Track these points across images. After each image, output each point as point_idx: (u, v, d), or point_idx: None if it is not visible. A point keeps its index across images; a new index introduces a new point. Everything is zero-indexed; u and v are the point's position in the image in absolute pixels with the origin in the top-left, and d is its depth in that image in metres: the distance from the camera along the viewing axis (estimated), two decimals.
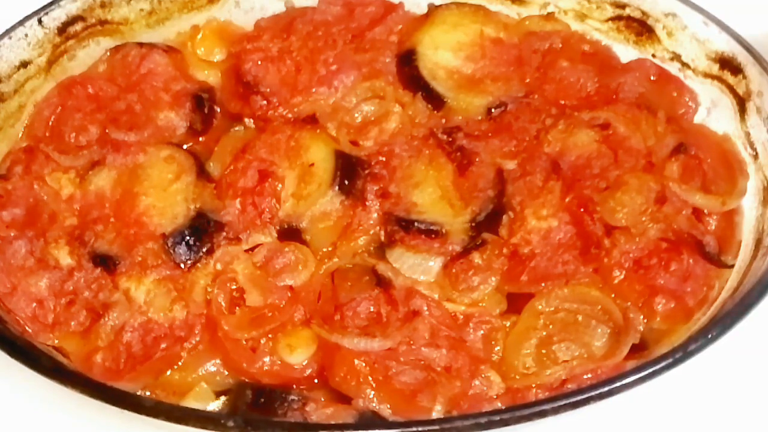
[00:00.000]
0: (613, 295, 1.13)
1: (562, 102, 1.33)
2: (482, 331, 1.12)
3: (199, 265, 1.18)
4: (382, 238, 1.21)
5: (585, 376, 1.06)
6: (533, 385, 1.07)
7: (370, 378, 1.06)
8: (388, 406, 1.05)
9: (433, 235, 1.18)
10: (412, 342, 1.08)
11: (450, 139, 1.28)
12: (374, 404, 1.04)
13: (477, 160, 1.25)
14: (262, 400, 1.08)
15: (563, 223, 1.18)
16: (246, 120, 1.37)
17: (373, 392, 1.05)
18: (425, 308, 1.11)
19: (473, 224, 1.20)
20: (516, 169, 1.24)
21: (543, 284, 1.14)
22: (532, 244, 1.16)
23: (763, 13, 1.30)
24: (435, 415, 1.03)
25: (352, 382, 1.06)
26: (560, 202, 1.19)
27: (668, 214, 1.17)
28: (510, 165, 1.24)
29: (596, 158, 1.23)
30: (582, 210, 1.17)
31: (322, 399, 1.08)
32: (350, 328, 1.10)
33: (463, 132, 1.28)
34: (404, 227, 1.19)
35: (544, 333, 1.11)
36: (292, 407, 1.06)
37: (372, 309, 1.11)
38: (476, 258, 1.16)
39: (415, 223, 1.19)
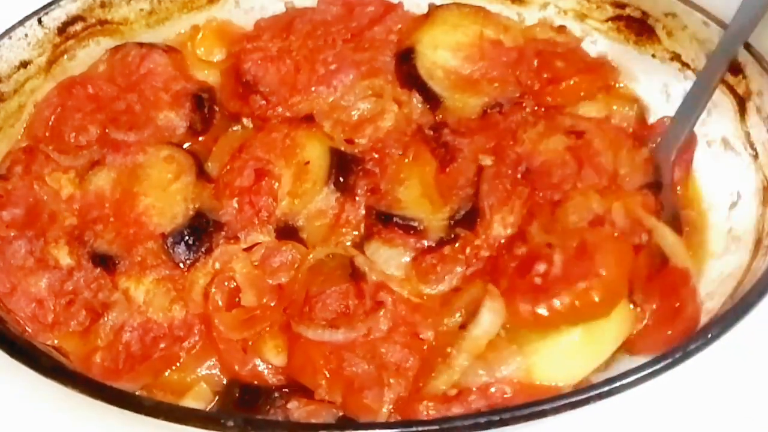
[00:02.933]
0: None
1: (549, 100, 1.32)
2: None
3: (198, 264, 1.18)
4: (363, 236, 1.21)
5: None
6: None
7: (324, 369, 1.05)
8: (339, 397, 1.04)
9: (411, 231, 1.18)
10: (369, 333, 1.07)
11: (436, 135, 1.28)
12: (327, 395, 1.04)
13: (459, 156, 1.24)
14: (247, 397, 1.08)
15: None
16: (244, 120, 1.37)
17: (325, 382, 1.05)
18: (389, 301, 1.10)
19: (451, 222, 1.19)
20: (491, 166, 1.22)
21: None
22: (491, 249, 1.16)
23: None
24: (382, 417, 1.02)
25: (309, 371, 1.06)
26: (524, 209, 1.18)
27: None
28: (487, 161, 1.22)
29: (559, 166, 1.20)
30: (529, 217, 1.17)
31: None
32: (317, 320, 1.09)
33: (450, 128, 1.28)
34: (383, 221, 1.19)
35: None
36: (275, 405, 1.06)
37: (341, 302, 1.10)
38: (447, 251, 1.16)
39: (394, 218, 1.19)
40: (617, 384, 0.95)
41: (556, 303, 1.04)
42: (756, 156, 1.24)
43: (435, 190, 1.23)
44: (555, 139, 1.24)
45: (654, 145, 1.29)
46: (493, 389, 1.03)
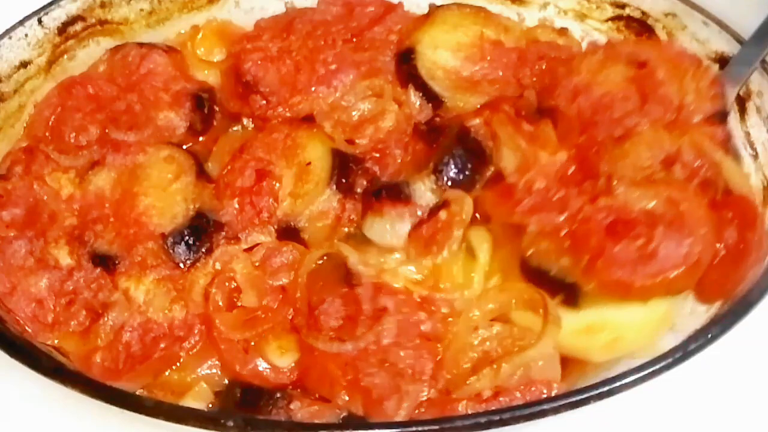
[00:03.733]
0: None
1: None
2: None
3: (198, 264, 1.18)
4: (360, 218, 1.21)
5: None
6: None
7: (342, 380, 1.04)
8: (360, 407, 1.04)
9: (400, 196, 1.18)
10: (378, 341, 1.06)
11: (429, 128, 1.28)
12: (348, 405, 1.04)
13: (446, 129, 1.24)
14: (249, 398, 1.08)
15: (569, 158, 1.14)
16: (245, 120, 1.37)
17: (345, 394, 1.04)
18: (392, 306, 1.09)
19: (438, 177, 1.18)
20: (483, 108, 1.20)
21: (535, 216, 1.10)
22: (535, 182, 1.13)
23: (762, 13, 1.29)
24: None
25: (327, 383, 1.06)
26: (558, 140, 1.15)
27: (670, 181, 1.10)
28: (474, 121, 1.20)
29: (621, 101, 1.15)
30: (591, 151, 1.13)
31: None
32: (324, 330, 1.09)
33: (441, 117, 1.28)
34: (375, 196, 1.19)
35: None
36: (277, 405, 1.05)
37: (342, 311, 1.10)
38: (442, 215, 1.15)
39: (382, 190, 1.19)
40: (617, 384, 0.95)
41: (659, 268, 1.02)
42: (756, 156, 1.23)
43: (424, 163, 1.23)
44: (616, 70, 1.18)
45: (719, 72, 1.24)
46: (533, 388, 1.01)
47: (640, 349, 1.08)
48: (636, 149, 1.10)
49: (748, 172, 1.13)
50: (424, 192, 1.19)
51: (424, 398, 1.03)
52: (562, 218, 1.09)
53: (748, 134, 1.24)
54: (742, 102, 1.26)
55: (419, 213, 1.18)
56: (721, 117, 1.18)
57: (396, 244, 1.17)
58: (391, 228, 1.17)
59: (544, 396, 1.00)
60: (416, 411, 1.02)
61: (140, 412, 0.96)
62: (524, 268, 1.11)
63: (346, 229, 1.22)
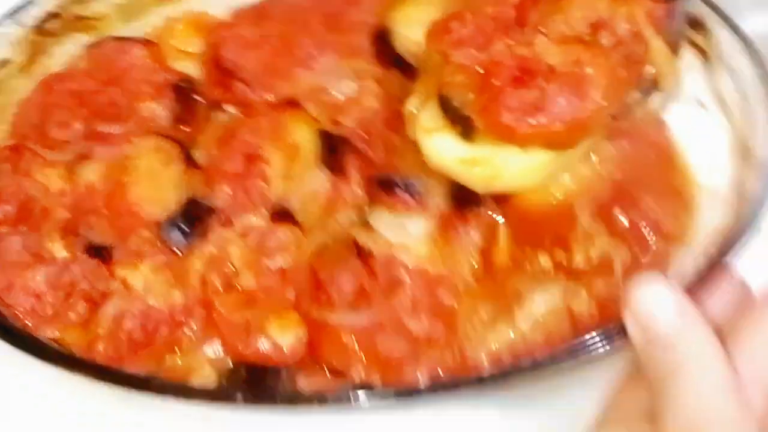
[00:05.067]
0: None
1: None
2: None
3: (194, 250, 1.20)
4: (366, 205, 1.23)
5: None
6: None
7: (359, 351, 1.08)
8: (378, 377, 1.07)
9: (415, 196, 1.20)
10: (395, 312, 1.10)
11: None
12: (365, 376, 1.07)
13: None
14: (254, 377, 1.10)
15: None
16: (228, 107, 1.38)
17: (362, 365, 1.07)
18: (407, 279, 1.13)
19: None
20: None
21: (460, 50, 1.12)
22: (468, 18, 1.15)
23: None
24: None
25: (343, 356, 1.09)
26: None
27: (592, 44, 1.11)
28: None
29: None
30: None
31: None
32: (337, 304, 1.12)
33: None
34: (384, 187, 1.22)
35: None
36: (283, 382, 1.08)
37: (355, 282, 1.13)
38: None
39: (395, 183, 1.21)
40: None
41: (543, 120, 1.05)
42: (724, 112, 1.27)
43: None
44: None
45: None
46: None
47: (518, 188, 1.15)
48: (570, 7, 1.12)
49: (674, 62, 1.13)
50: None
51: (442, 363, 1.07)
52: (481, 56, 1.11)
53: (716, 90, 1.28)
54: (707, 57, 1.29)
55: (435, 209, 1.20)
56: None
57: (408, 243, 1.19)
58: (403, 227, 1.20)
59: None
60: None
61: (148, 391, 0.98)
62: (439, 96, 1.14)
63: (340, 211, 1.23)
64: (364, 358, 1.08)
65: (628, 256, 1.15)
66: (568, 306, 1.11)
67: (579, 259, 1.15)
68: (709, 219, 1.20)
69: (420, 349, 1.08)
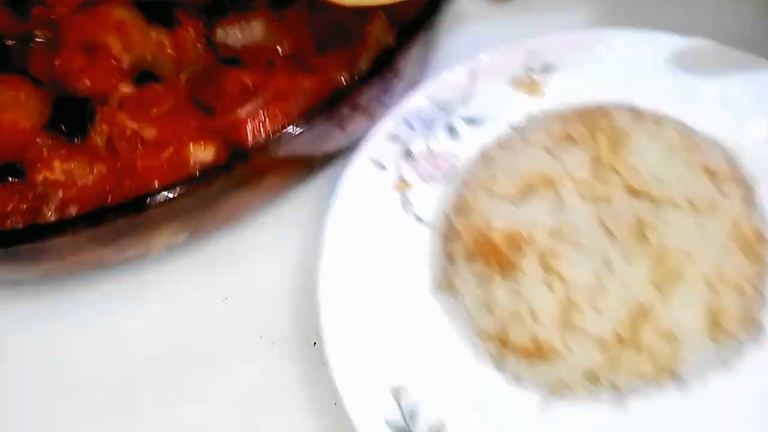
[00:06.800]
0: None
1: None
2: None
3: (90, 133, 1.34)
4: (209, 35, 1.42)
5: None
6: None
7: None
8: None
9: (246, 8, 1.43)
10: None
11: None
12: None
13: None
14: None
15: None
16: (39, 33, 1.50)
17: None
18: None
19: None
20: None
21: None
22: None
23: None
24: None
25: None
26: None
27: None
28: None
29: None
30: None
31: None
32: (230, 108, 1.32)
33: None
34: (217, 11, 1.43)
35: None
36: None
37: (236, 83, 1.34)
38: None
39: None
40: None
41: None
42: None
43: None
44: None
45: None
46: None
47: None
48: None
49: None
50: None
51: None
52: None
53: None
54: None
55: None
56: None
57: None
58: (247, 29, 1.41)
59: None
60: None
61: None
62: None
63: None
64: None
65: None
66: None
67: None
68: None
69: None
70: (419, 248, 1.28)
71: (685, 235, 1.12)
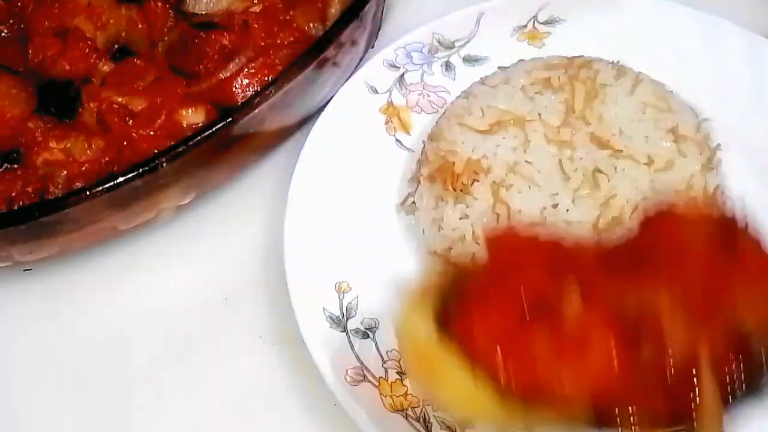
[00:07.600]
0: None
1: None
2: None
3: (80, 113, 1.37)
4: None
5: None
6: None
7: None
8: None
9: None
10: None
11: None
12: None
13: None
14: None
15: None
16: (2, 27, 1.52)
17: None
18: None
19: None
20: None
21: None
22: None
23: None
24: None
25: None
26: None
27: None
28: None
29: None
30: None
31: None
32: (212, 71, 1.38)
33: None
34: None
35: None
36: None
37: (214, 46, 1.39)
38: None
39: None
40: None
41: None
42: None
43: None
44: None
45: None
46: None
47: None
48: None
49: None
50: None
51: None
52: None
53: None
54: None
55: None
56: None
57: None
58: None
59: None
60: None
61: None
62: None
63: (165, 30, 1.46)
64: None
65: None
66: None
67: None
68: None
69: None
70: (394, 169, 1.35)
71: (635, 187, 1.14)
